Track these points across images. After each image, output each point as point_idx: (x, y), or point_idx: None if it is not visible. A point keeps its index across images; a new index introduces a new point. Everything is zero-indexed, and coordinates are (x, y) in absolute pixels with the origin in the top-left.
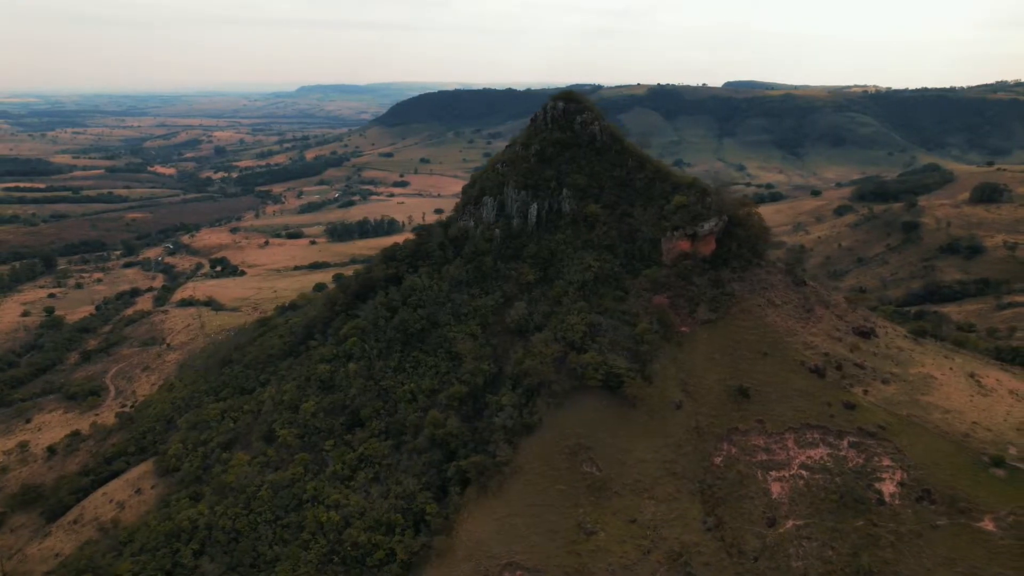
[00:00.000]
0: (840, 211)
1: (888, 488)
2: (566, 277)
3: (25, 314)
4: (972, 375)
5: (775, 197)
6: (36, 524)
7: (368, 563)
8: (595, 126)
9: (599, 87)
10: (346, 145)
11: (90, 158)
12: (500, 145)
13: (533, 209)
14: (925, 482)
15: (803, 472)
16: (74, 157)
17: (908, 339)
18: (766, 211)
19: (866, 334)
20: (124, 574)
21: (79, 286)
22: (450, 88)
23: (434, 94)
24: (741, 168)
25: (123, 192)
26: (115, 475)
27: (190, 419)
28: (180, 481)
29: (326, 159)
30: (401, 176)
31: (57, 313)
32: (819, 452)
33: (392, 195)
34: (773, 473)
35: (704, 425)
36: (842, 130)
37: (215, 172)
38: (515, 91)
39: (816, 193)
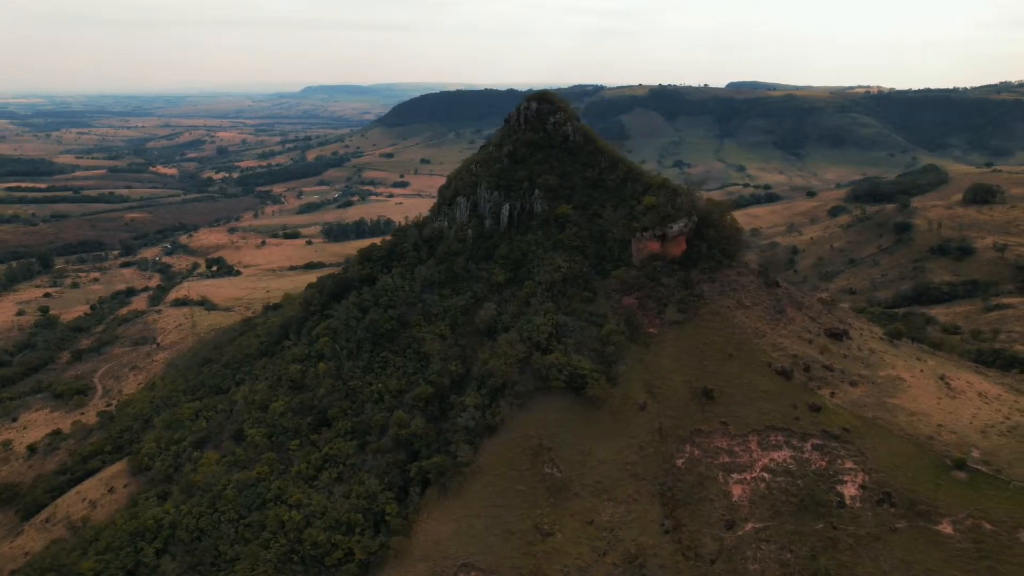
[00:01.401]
0: (834, 212)
1: (850, 491)
2: (536, 278)
3: (20, 313)
4: (942, 377)
5: (771, 198)
6: (11, 523)
7: (327, 563)
8: (568, 127)
9: (601, 88)
10: (347, 145)
11: (93, 158)
12: None
13: (505, 210)
14: (886, 485)
15: (765, 474)
16: (77, 157)
17: (883, 341)
18: (761, 212)
19: (838, 336)
20: (87, 573)
21: (75, 285)
22: (454, 89)
23: (435, 95)
24: (741, 169)
25: (124, 192)
26: (91, 474)
27: (166, 418)
28: (151, 480)
29: (327, 159)
30: (401, 176)
31: (52, 312)
32: (782, 454)
33: (391, 195)
34: (735, 475)
35: (667, 426)
36: (843, 131)
37: (216, 172)
38: (517, 92)
39: (812, 194)
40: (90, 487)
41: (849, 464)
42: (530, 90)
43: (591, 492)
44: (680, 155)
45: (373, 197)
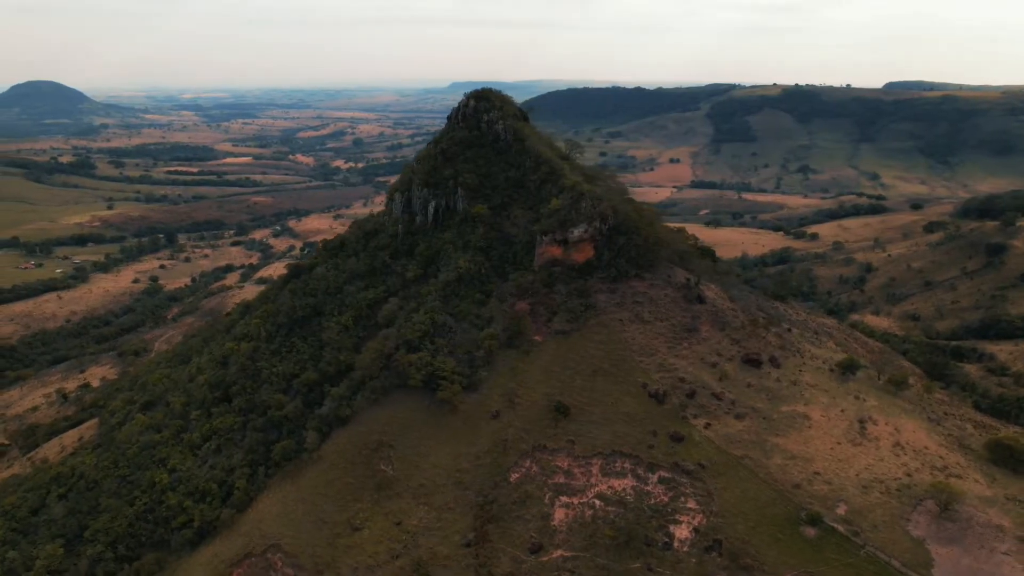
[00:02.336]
0: (931, 228)
1: (681, 532)
2: (440, 276)
3: (135, 281)
4: (862, 421)
5: (875, 210)
6: (15, 457)
7: (172, 524)
8: (499, 125)
9: (733, 87)
10: None
11: (247, 146)
12: (618, 144)
13: (431, 207)
14: (721, 531)
15: (597, 501)
16: (234, 145)
17: (823, 373)
18: (853, 224)
19: (755, 362)
20: (7, 506)
21: (187, 260)
22: (596, 86)
23: (562, 92)
24: (875, 177)
25: (258, 178)
26: (82, 423)
27: (140, 382)
28: (101, 434)
29: None
30: None
31: (160, 282)
32: (623, 483)
33: None
34: (563, 498)
35: (513, 438)
36: (1011, 136)
37: (346, 162)
38: (644, 90)
39: (917, 207)
40: (69, 436)
41: (691, 503)
42: (660, 88)
43: (412, 494)
44: (808, 160)
45: None
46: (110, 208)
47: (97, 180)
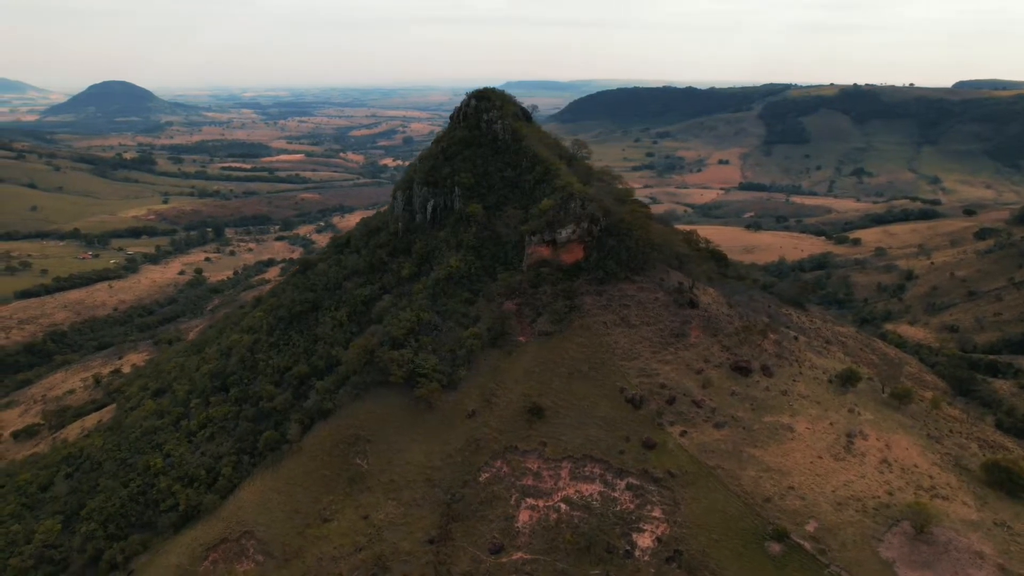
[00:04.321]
0: (982, 235)
1: (644, 541)
2: (431, 275)
3: (181, 272)
4: (850, 435)
5: (926, 215)
6: (45, 435)
7: (161, 508)
8: (498, 124)
9: (788, 87)
10: None
11: (300, 144)
12: (667, 144)
13: (430, 205)
14: (683, 542)
15: (562, 505)
16: (288, 142)
17: (819, 384)
18: (899, 230)
19: (744, 370)
20: (21, 482)
21: (232, 254)
22: (652, 86)
23: (611, 91)
24: (935, 181)
25: (308, 175)
26: (105, 406)
27: (156, 369)
28: (114, 417)
29: None
30: None
31: (204, 274)
32: (591, 488)
33: None
34: (530, 500)
35: (485, 438)
36: None
37: (395, 160)
38: (696, 89)
39: (971, 212)
40: (91, 418)
41: (657, 512)
42: (712, 88)
43: (383, 489)
44: (864, 162)
45: None
46: (165, 202)
47: (156, 175)
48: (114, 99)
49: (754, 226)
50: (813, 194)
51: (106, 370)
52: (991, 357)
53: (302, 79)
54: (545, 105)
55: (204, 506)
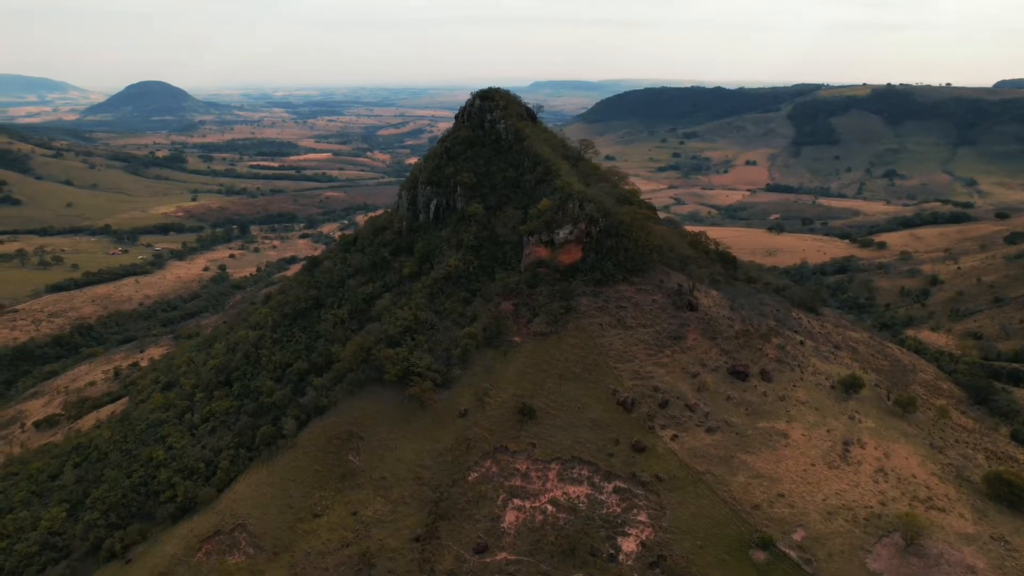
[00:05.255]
0: (1013, 239)
1: (628, 546)
2: (430, 274)
3: (206, 269)
4: (847, 443)
5: (956, 218)
6: (64, 425)
7: (160, 498)
8: (501, 124)
9: (819, 87)
10: None
11: (328, 143)
12: (693, 145)
13: (433, 205)
14: (667, 548)
15: (549, 507)
16: (316, 141)
17: (820, 390)
18: (927, 233)
19: (742, 375)
20: (33, 471)
21: (257, 251)
22: (683, 85)
23: (639, 91)
24: (971, 183)
25: (335, 173)
26: (120, 398)
27: (170, 362)
28: (125, 410)
29: None
30: None
31: (228, 271)
32: (578, 490)
33: None
34: (517, 501)
35: (475, 438)
36: None
37: (419, 159)
38: (724, 89)
39: (1003, 216)
40: (105, 410)
41: (643, 517)
42: (741, 88)
43: (374, 486)
44: (896, 164)
45: None
46: (194, 200)
47: (187, 173)
48: (151, 98)
49: (777, 228)
50: (842, 196)
51: (127, 363)
52: (1014, 365)
53: (333, 79)
54: (574, 105)
55: (200, 498)
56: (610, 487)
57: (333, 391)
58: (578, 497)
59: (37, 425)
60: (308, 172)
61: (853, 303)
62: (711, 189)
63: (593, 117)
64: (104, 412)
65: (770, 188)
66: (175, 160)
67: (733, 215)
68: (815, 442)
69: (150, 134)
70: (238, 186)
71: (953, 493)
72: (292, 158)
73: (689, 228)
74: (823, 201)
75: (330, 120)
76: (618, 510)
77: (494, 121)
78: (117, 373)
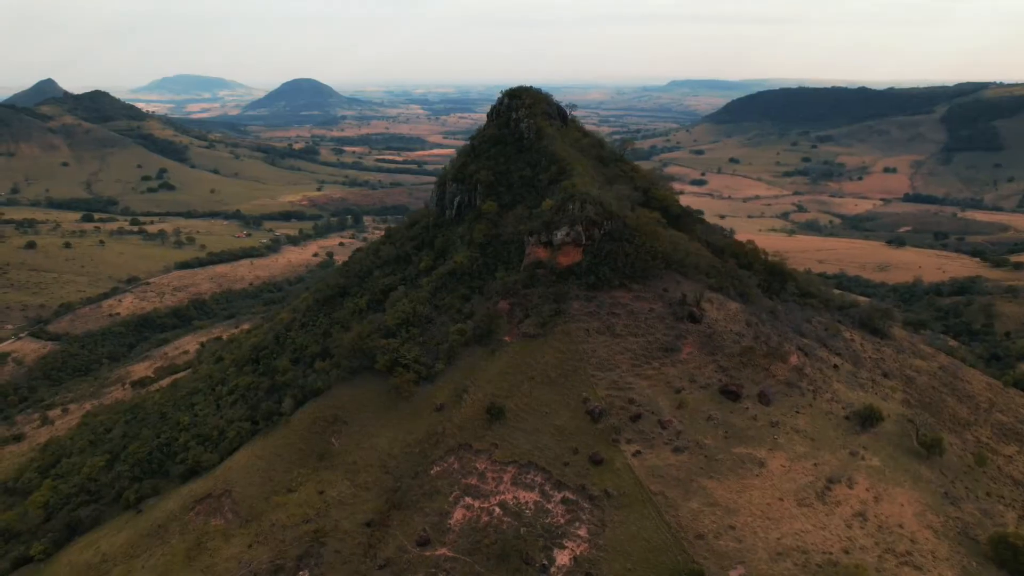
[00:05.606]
0: None
1: (562, 559)
2: (439, 269)
3: (315, 255)
4: (832, 480)
5: None
6: (125, 392)
7: (176, 459)
8: (524, 123)
9: (984, 86)
10: (668, 140)
11: (455, 139)
12: (826, 149)
13: (456, 201)
14: (597, 566)
15: (497, 509)
16: (444, 137)
17: (830, 419)
18: None
19: (734, 395)
20: (95, 422)
21: (365, 239)
22: (828, 86)
23: (773, 92)
24: None
25: None
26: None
27: (232, 338)
28: (180, 378)
29: (638, 152)
30: (702, 175)
31: (335, 257)
32: (528, 496)
33: (682, 192)
34: (468, 499)
35: (444, 433)
36: None
37: None
38: (869, 90)
39: None
40: (177, 376)
41: (583, 531)
42: (891, 88)
43: (345, 469)
44: None
45: None
46: (319, 190)
47: (318, 164)
48: (301, 95)
49: (897, 242)
50: (998, 209)
51: (224, 336)
52: None
53: (472, 77)
54: (708, 105)
55: (204, 463)
56: (559, 496)
57: (331, 375)
58: (527, 503)
59: (133, 384)
60: (429, 167)
61: (965, 329)
62: (840, 197)
63: (722, 118)
64: (175, 378)
65: (908, 198)
66: (309, 152)
67: (857, 225)
68: (794, 475)
69: (296, 127)
70: (361, 178)
71: (944, 551)
72: (417, 153)
73: (773, 237)
74: (968, 214)
75: (461, 117)
76: (562, 521)
77: (518, 120)
78: (203, 345)
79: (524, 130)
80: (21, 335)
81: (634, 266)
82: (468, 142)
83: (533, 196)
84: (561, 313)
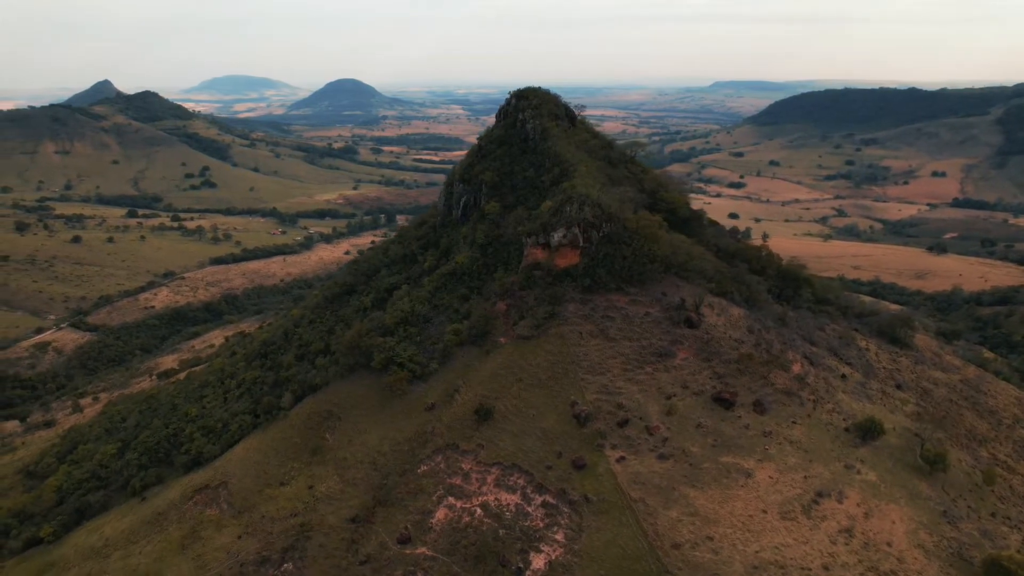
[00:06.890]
0: None
1: (538, 563)
2: (440, 269)
3: (347, 252)
4: (821, 494)
5: None
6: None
7: (181, 449)
8: (530, 124)
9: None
10: (708, 142)
11: None
12: (871, 152)
13: (462, 202)
14: (572, 571)
15: (478, 510)
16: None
17: (828, 431)
18: None
19: (727, 403)
20: (114, 411)
21: None
22: (877, 86)
23: (817, 93)
24: None
25: None
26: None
27: (247, 334)
28: (196, 371)
29: (678, 154)
30: (741, 177)
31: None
32: (510, 498)
33: (719, 195)
34: (451, 499)
35: (433, 432)
36: None
37: None
38: (919, 91)
39: None
40: (195, 369)
41: (560, 536)
42: (943, 89)
43: (334, 465)
44: None
45: (693, 196)
46: (355, 189)
47: (356, 164)
48: (344, 95)
49: (938, 249)
50: None
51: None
52: None
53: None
54: (751, 107)
55: (206, 454)
56: (539, 500)
57: (329, 371)
58: (508, 505)
59: (159, 376)
60: None
61: (1004, 340)
62: (883, 202)
63: (764, 119)
64: (192, 371)
65: (957, 203)
66: (348, 151)
67: (899, 231)
68: (781, 487)
69: (337, 127)
70: (397, 177)
71: (932, 572)
72: (454, 153)
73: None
74: (1020, 221)
75: None
76: (540, 525)
77: (524, 120)
78: (227, 339)
79: (530, 131)
80: (62, 325)
81: (632, 269)
82: (477, 142)
83: (536, 197)
84: (556, 315)
